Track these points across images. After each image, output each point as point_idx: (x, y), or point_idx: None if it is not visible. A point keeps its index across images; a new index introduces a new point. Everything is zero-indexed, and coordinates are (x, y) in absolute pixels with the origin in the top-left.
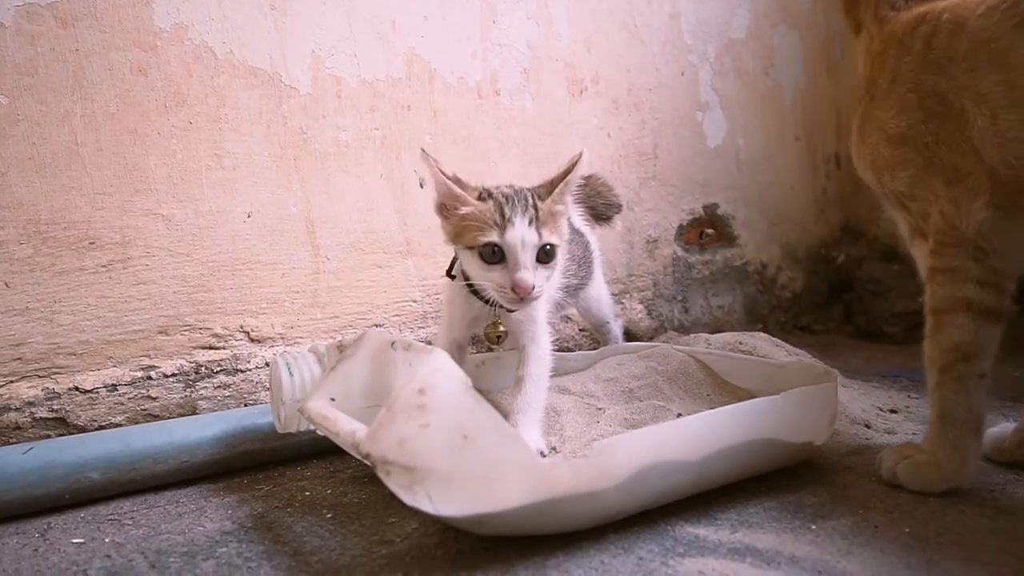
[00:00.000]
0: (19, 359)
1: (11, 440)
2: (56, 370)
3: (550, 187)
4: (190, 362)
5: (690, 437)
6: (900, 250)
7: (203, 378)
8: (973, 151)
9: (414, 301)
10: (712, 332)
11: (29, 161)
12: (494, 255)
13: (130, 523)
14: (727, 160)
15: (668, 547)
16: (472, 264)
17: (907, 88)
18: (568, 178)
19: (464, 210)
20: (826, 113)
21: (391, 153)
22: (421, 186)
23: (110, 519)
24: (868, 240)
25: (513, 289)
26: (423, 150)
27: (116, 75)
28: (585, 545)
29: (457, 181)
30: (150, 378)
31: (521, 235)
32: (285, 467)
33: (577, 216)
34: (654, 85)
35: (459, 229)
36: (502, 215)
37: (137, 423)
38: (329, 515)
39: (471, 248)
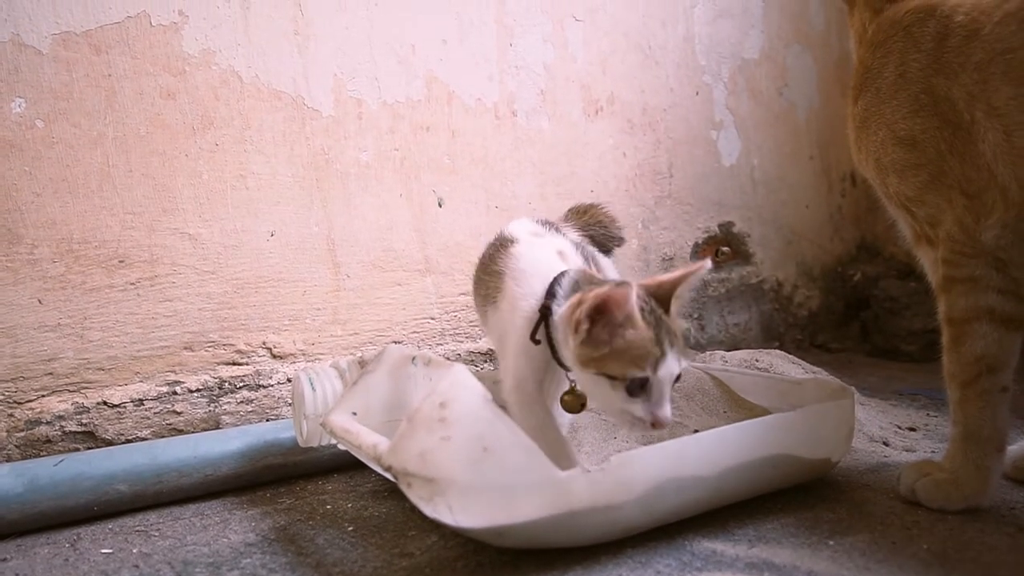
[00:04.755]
0: (50, 374)
1: (42, 453)
2: (85, 385)
3: (663, 288)
4: (214, 378)
5: (707, 452)
6: (917, 268)
7: (226, 393)
8: (986, 166)
9: (432, 318)
10: (728, 350)
11: (63, 182)
12: (641, 388)
13: (156, 534)
14: (742, 179)
15: (686, 561)
16: (605, 391)
17: (919, 88)
18: (681, 289)
19: (629, 336)
20: (840, 132)
21: (410, 173)
22: (440, 205)
23: (137, 530)
24: (884, 258)
25: (653, 424)
26: (633, 286)
27: (146, 99)
28: (603, 559)
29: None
30: (175, 393)
31: (671, 369)
32: (307, 481)
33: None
34: (668, 105)
35: (603, 356)
36: (660, 346)
37: (162, 437)
38: (350, 528)
39: (614, 378)
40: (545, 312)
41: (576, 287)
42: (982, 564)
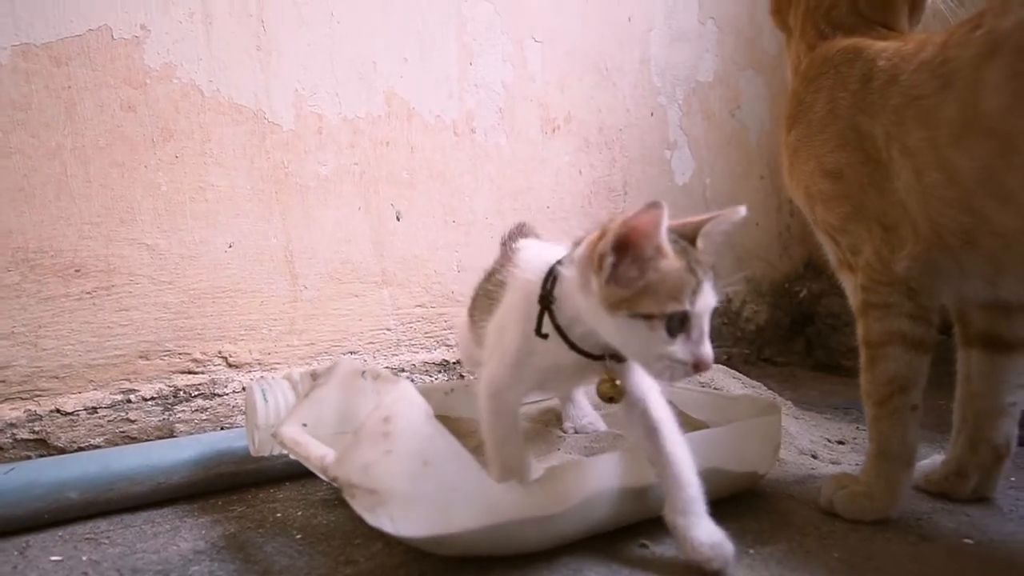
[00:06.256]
0: (3, 381)
1: None
2: (38, 393)
3: (687, 228)
4: (169, 386)
5: (638, 465)
6: None
7: (181, 402)
8: (900, 202)
9: (388, 329)
10: None
11: (20, 192)
12: (680, 325)
13: (106, 542)
14: (694, 197)
15: (614, 569)
16: (641, 334)
17: (846, 125)
18: (709, 227)
19: (663, 266)
20: None
21: (369, 187)
22: (398, 219)
23: (87, 538)
24: (828, 276)
25: (696, 366)
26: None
27: (106, 111)
28: (539, 566)
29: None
30: (129, 401)
31: (708, 300)
32: (259, 489)
33: None
34: (624, 125)
35: (636, 293)
36: (696, 275)
37: (116, 445)
38: (299, 536)
39: (651, 317)
40: (546, 303)
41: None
42: (885, 572)
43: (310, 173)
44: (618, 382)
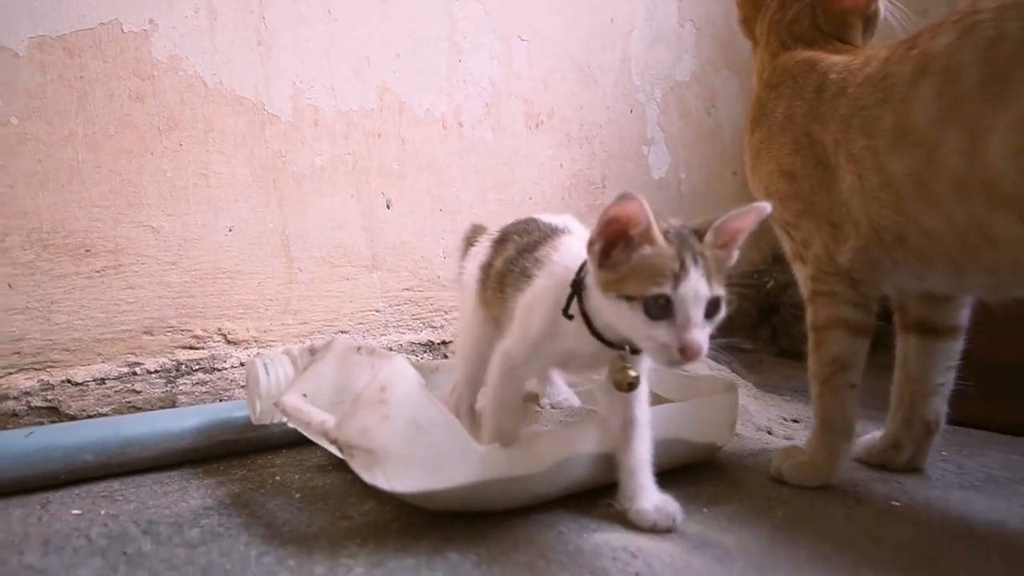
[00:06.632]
0: (18, 353)
1: (8, 426)
2: (51, 364)
3: (704, 223)
4: (172, 360)
5: (606, 434)
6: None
7: (183, 375)
8: (844, 202)
9: (377, 311)
10: None
11: (34, 176)
12: (663, 310)
13: (121, 499)
14: (670, 191)
15: (583, 524)
16: (626, 316)
17: (801, 131)
18: (721, 223)
19: (646, 251)
20: None
21: (362, 176)
22: (388, 207)
23: (103, 495)
24: None
25: (682, 351)
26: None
27: (116, 101)
28: (517, 521)
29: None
30: (135, 374)
31: (695, 288)
32: (258, 455)
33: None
34: (604, 121)
35: (621, 276)
36: (681, 262)
37: (121, 414)
38: (297, 495)
39: (632, 299)
40: (577, 288)
41: None
42: (819, 527)
43: (306, 162)
44: (632, 372)
